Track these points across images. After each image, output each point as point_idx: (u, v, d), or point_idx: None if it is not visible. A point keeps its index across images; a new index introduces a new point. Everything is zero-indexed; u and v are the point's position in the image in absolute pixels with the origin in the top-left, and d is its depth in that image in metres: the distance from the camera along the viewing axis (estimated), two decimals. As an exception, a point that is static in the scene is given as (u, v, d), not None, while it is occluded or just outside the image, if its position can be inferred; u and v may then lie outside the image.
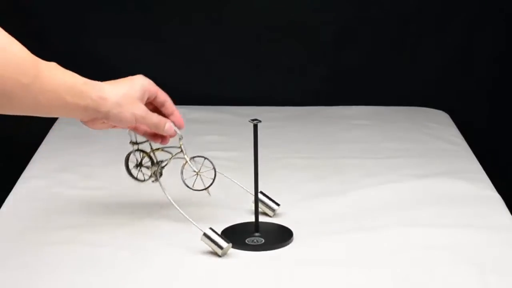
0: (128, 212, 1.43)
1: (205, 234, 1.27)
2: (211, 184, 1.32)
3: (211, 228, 1.28)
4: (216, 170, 1.32)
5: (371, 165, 1.66)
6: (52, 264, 1.25)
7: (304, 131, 1.89)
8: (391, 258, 1.27)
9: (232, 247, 1.29)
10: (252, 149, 1.33)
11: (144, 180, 1.37)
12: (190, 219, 1.29)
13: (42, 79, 1.12)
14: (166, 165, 1.35)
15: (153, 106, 1.30)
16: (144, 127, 1.30)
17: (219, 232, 1.33)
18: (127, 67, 2.21)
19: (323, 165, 1.66)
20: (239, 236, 1.33)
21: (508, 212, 1.44)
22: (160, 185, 1.33)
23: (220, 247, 1.26)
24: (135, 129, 1.32)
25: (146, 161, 1.36)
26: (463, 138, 1.84)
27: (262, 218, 1.35)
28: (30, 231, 1.37)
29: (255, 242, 1.32)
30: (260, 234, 1.33)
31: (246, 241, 1.32)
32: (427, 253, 1.28)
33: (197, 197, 1.48)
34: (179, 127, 1.32)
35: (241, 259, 1.28)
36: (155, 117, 1.27)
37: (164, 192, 1.31)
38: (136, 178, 1.38)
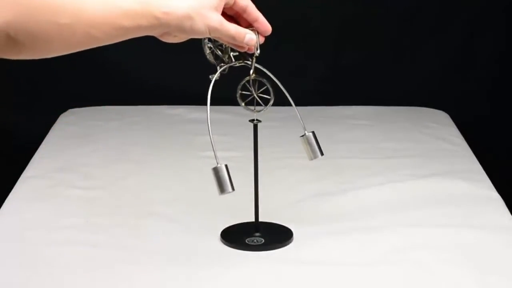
0: (128, 212, 1.43)
1: (215, 169, 1.19)
2: (264, 109, 1.31)
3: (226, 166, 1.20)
4: (272, 99, 1.31)
5: (371, 165, 1.66)
6: (52, 264, 1.25)
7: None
8: (391, 258, 1.27)
9: (232, 247, 1.29)
10: (252, 149, 1.33)
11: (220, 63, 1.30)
12: (214, 146, 1.21)
13: (86, 13, 1.02)
14: (232, 62, 1.30)
15: (235, 12, 1.19)
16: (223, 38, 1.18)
17: (219, 232, 1.34)
18: (126, 66, 2.23)
19: (323, 165, 1.66)
20: (239, 236, 1.33)
21: (508, 212, 1.44)
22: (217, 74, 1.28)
23: (222, 190, 1.18)
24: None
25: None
26: (463, 138, 1.83)
27: (262, 218, 1.35)
28: (30, 231, 1.36)
29: (255, 242, 1.31)
30: (260, 234, 1.33)
31: (246, 241, 1.31)
32: (427, 253, 1.28)
33: (197, 197, 1.49)
34: (265, 33, 1.23)
35: (241, 259, 1.27)
36: (232, 29, 1.16)
37: (208, 95, 1.26)
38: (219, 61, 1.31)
